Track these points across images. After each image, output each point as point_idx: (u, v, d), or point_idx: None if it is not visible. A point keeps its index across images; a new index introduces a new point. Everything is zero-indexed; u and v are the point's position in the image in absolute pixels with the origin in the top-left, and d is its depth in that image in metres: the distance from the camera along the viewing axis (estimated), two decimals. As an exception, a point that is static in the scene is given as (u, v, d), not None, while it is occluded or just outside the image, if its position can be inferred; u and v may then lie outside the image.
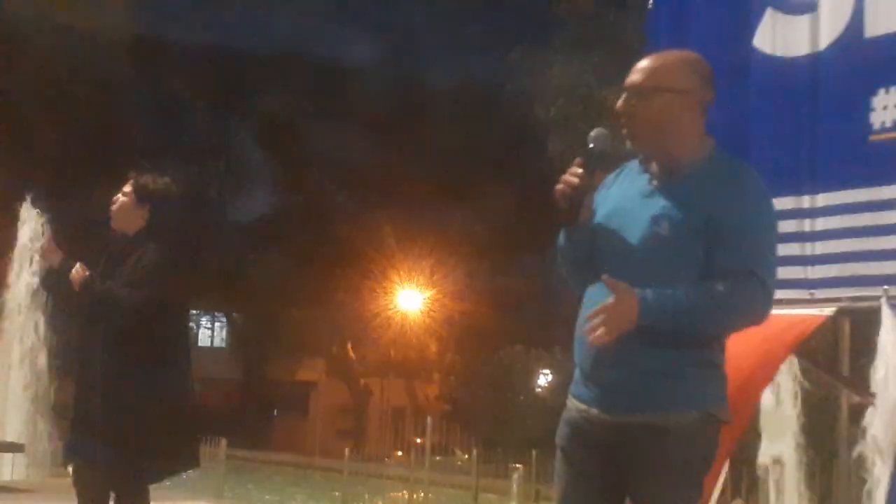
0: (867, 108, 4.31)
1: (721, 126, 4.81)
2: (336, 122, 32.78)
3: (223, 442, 15.00)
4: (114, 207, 4.99)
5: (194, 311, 38.83)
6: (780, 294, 4.57)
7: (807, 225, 4.50)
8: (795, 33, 4.66)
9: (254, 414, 35.96)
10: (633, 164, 3.16)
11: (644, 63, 3.10)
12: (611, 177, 3.21)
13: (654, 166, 3.10)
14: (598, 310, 2.88)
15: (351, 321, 32.98)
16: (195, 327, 39.83)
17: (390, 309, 32.27)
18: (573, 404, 3.12)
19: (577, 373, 3.14)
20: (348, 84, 33.83)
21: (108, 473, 4.79)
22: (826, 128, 4.48)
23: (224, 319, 40.55)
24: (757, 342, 4.25)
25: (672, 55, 3.17)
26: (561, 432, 3.12)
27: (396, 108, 32.71)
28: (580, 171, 2.99)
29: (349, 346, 35.00)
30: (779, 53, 4.70)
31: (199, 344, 39.53)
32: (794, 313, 4.35)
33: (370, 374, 35.71)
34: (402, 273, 31.91)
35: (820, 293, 4.43)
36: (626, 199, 3.08)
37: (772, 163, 4.63)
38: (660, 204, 3.00)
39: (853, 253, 4.32)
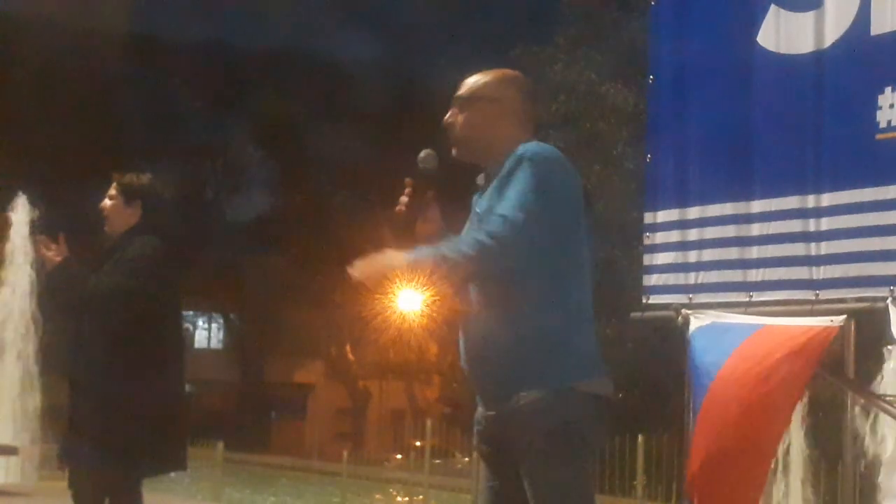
0: (873, 107, 4.30)
1: (725, 124, 4.84)
2: (335, 121, 32.77)
3: (220, 445, 15.00)
4: (105, 211, 5.05)
5: (191, 313, 38.87)
6: (784, 295, 4.60)
7: (812, 225, 4.49)
8: (800, 30, 4.64)
9: (251, 416, 35.95)
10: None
11: (468, 79, 3.51)
12: None
13: (483, 175, 3.48)
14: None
15: (349, 322, 32.97)
16: (192, 329, 39.83)
17: (389, 310, 32.21)
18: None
19: None
20: (348, 83, 33.82)
21: (101, 475, 4.82)
22: (831, 126, 4.46)
23: (221, 321, 40.54)
24: (781, 360, 4.25)
25: (492, 72, 3.53)
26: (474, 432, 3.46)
27: (396, 106, 32.71)
28: (409, 190, 3.42)
29: (348, 347, 35.00)
30: (783, 51, 4.69)
31: (196, 346, 39.52)
32: (809, 324, 4.33)
33: (369, 377, 35.71)
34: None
35: (825, 294, 4.42)
36: (471, 211, 3.49)
37: (776, 162, 4.63)
38: (481, 205, 3.38)
39: (859, 253, 4.31)
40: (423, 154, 3.45)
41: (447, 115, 3.49)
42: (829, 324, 4.27)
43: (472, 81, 3.49)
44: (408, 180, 3.44)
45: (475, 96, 3.45)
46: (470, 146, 3.45)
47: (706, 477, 4.32)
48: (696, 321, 4.64)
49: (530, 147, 3.31)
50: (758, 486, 4.35)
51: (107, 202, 5.08)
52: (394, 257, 3.23)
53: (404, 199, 3.43)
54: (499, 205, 3.23)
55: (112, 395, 4.76)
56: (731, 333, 4.49)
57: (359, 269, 3.27)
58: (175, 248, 5.23)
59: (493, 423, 3.31)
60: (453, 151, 3.48)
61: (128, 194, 5.04)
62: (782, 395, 4.27)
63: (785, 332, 4.35)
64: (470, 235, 3.24)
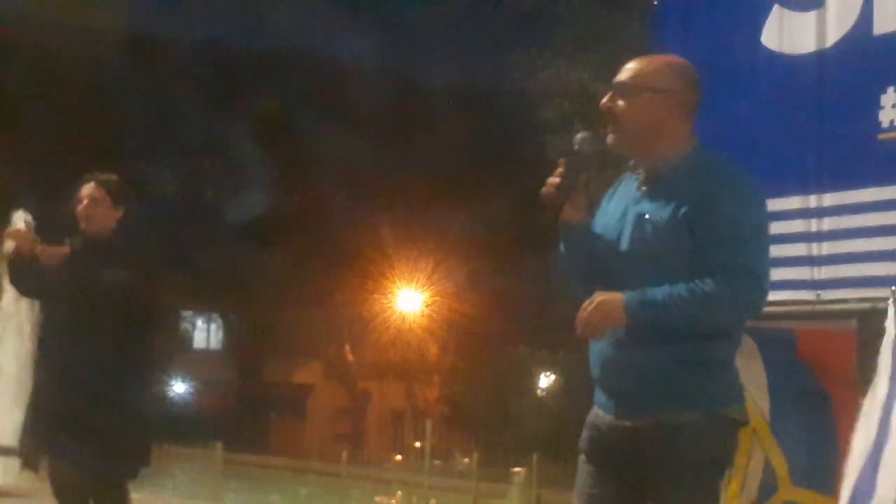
0: (876, 107, 4.29)
1: (727, 124, 4.82)
2: (335, 121, 32.77)
3: (219, 445, 15.01)
4: (88, 211, 5.00)
5: (191, 313, 38.86)
6: (785, 295, 4.58)
7: (814, 225, 4.48)
8: (802, 30, 4.64)
9: (250, 417, 35.95)
10: (630, 175, 3.29)
11: (631, 63, 3.24)
12: (612, 188, 3.34)
13: (642, 171, 3.22)
14: (584, 306, 3.02)
15: (349, 322, 32.99)
16: (191, 329, 39.83)
17: (389, 310, 32.28)
18: (593, 409, 3.26)
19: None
20: (347, 83, 33.83)
21: (84, 476, 4.81)
22: (834, 126, 4.45)
23: (220, 321, 40.56)
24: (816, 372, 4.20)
25: (659, 58, 3.34)
26: (582, 435, 3.27)
27: (396, 107, 32.72)
28: (562, 171, 3.14)
29: (347, 347, 35.00)
30: (786, 50, 4.68)
31: (195, 346, 39.52)
32: (821, 328, 4.30)
33: (368, 377, 35.72)
34: (401, 274, 31.91)
35: (827, 294, 4.41)
36: (619, 206, 3.23)
37: (778, 162, 4.62)
38: (646, 206, 3.13)
39: (861, 254, 4.30)
40: (580, 136, 3.20)
41: (605, 99, 3.22)
42: (848, 329, 4.24)
43: (637, 68, 3.21)
44: (561, 160, 3.17)
45: (641, 85, 3.18)
46: (631, 138, 3.17)
47: None
48: None
49: (736, 170, 3.14)
50: None
51: (88, 203, 5.01)
52: (614, 309, 2.99)
53: (554, 180, 3.15)
54: (726, 243, 2.99)
55: (100, 393, 4.75)
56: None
57: (590, 327, 3.02)
58: (158, 251, 5.25)
59: (625, 434, 3.10)
60: (609, 139, 3.20)
61: (116, 195, 5.03)
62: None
63: (808, 341, 4.31)
64: (713, 288, 2.96)
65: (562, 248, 3.27)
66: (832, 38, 4.54)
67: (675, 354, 3.03)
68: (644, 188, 3.18)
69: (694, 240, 3.03)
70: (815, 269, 4.47)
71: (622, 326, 3.03)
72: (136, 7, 33.83)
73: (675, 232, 3.04)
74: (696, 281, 2.98)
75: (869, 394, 3.98)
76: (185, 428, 23.89)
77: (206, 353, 39.23)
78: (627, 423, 3.10)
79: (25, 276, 5.11)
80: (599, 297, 3.00)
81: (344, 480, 15.70)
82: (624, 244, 3.14)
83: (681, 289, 2.98)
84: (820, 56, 4.56)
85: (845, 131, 4.41)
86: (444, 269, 31.11)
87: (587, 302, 3.01)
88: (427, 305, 32.31)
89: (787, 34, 4.68)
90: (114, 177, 5.11)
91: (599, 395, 3.22)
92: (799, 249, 4.53)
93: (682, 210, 3.05)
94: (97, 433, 4.73)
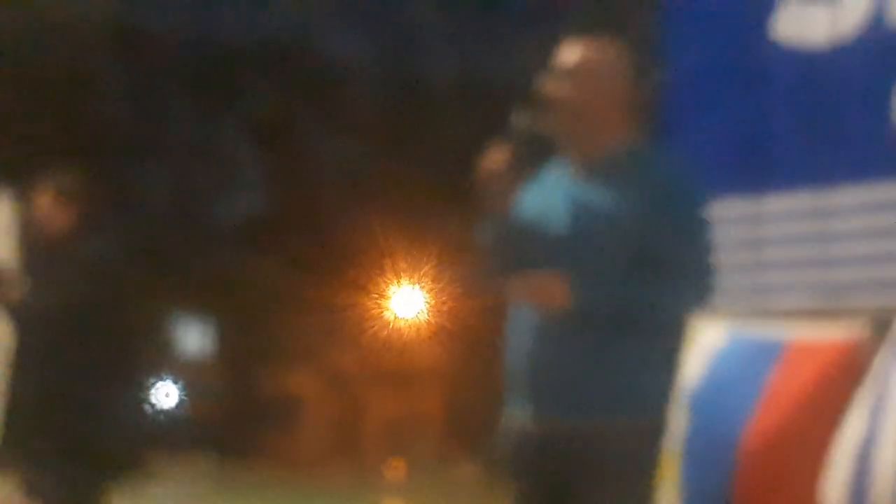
0: (890, 102, 4.30)
1: (737, 119, 4.84)
2: (332, 119, 32.77)
3: (211, 455, 15.02)
4: (44, 211, 5.01)
5: (181, 317, 38.81)
6: (796, 300, 4.57)
7: (825, 225, 4.49)
8: (814, 22, 4.66)
9: (244, 425, 35.90)
10: (558, 163, 3.29)
11: (575, 45, 3.18)
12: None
13: (580, 161, 3.19)
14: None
15: (346, 327, 32.96)
16: (180, 335, 39.81)
17: (387, 314, 32.25)
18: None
19: None
20: (342, 80, 33.82)
21: (62, 488, 4.81)
22: (846, 122, 4.47)
23: (213, 326, 40.52)
24: (811, 380, 4.15)
25: (603, 39, 3.26)
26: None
27: (394, 104, 32.71)
28: (509, 157, 3.21)
29: (344, 353, 34.99)
30: (797, 43, 4.70)
31: (188, 352, 39.50)
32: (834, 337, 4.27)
33: (365, 384, 35.69)
34: (400, 277, 31.90)
35: (840, 299, 4.40)
36: (553, 196, 3.26)
37: (789, 157, 4.64)
38: (588, 198, 3.13)
39: (875, 255, 4.31)
40: (524, 114, 3.16)
41: (550, 84, 3.14)
42: (859, 335, 4.20)
43: (585, 50, 3.15)
44: (504, 145, 3.14)
45: (592, 69, 3.13)
46: (576, 125, 3.10)
47: None
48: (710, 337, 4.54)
49: (687, 175, 3.16)
50: None
51: (44, 200, 5.03)
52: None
53: (498, 168, 3.16)
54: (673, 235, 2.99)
55: (65, 406, 4.74)
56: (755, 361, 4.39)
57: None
58: (121, 254, 5.25)
59: (553, 443, 2.90)
60: (553, 125, 3.16)
61: (65, 197, 5.04)
62: (816, 426, 4.09)
63: (814, 352, 4.27)
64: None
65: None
66: (845, 30, 4.55)
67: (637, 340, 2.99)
68: (587, 180, 3.11)
69: (639, 233, 2.99)
70: (828, 270, 4.47)
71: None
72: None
73: (618, 223, 3.00)
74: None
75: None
76: (172, 437, 23.94)
77: (197, 359, 39.22)
78: (557, 429, 2.96)
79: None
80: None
81: (341, 489, 15.72)
82: (561, 236, 3.12)
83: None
84: (833, 49, 4.58)
85: (858, 127, 4.42)
86: (444, 271, 31.08)
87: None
88: (426, 309, 32.29)
89: (799, 27, 4.70)
90: (66, 175, 5.09)
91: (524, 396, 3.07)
92: (810, 251, 4.53)
93: (629, 202, 3.02)
94: (78, 445, 4.72)
